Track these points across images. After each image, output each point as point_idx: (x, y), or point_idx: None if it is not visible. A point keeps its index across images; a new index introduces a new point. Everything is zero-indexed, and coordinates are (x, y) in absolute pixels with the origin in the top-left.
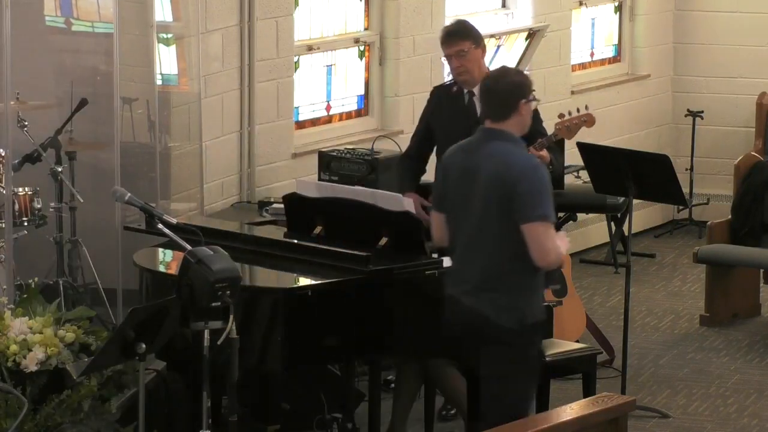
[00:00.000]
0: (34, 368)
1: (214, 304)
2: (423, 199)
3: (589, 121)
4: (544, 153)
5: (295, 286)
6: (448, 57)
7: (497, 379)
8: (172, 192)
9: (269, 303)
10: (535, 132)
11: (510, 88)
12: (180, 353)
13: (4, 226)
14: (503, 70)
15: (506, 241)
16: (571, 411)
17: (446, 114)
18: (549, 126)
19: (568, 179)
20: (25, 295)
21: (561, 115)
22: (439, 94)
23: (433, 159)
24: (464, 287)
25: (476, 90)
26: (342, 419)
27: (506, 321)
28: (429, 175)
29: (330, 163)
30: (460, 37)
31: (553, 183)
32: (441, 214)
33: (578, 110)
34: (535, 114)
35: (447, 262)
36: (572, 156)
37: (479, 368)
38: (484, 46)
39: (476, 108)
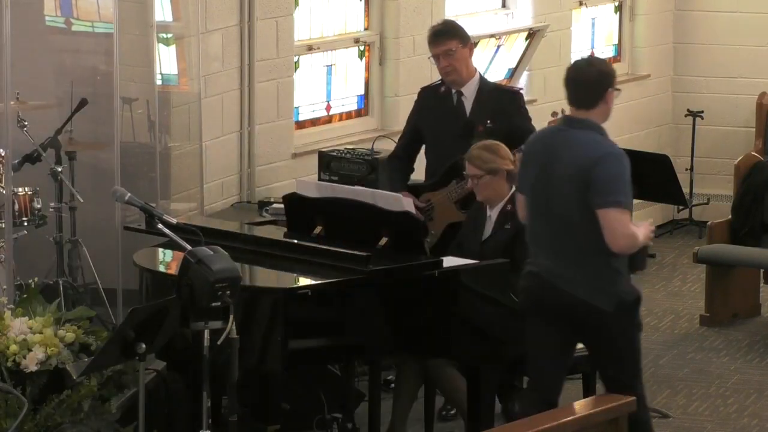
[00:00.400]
0: (34, 368)
1: (214, 304)
2: (415, 198)
3: None
4: None
5: (295, 286)
6: (436, 57)
7: (603, 358)
8: (172, 192)
9: (269, 303)
10: (524, 131)
11: (598, 77)
12: (180, 353)
13: (4, 226)
14: (589, 59)
15: (590, 224)
16: (571, 411)
17: (435, 115)
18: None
19: None
20: (25, 295)
21: (554, 114)
22: (427, 95)
23: (421, 159)
24: (552, 271)
25: (464, 90)
26: (342, 419)
27: (602, 302)
28: (418, 175)
29: (330, 163)
30: (447, 37)
31: None
32: (524, 195)
33: (558, 114)
34: (525, 112)
35: (447, 261)
36: None
37: (589, 349)
38: (472, 46)
39: (465, 108)
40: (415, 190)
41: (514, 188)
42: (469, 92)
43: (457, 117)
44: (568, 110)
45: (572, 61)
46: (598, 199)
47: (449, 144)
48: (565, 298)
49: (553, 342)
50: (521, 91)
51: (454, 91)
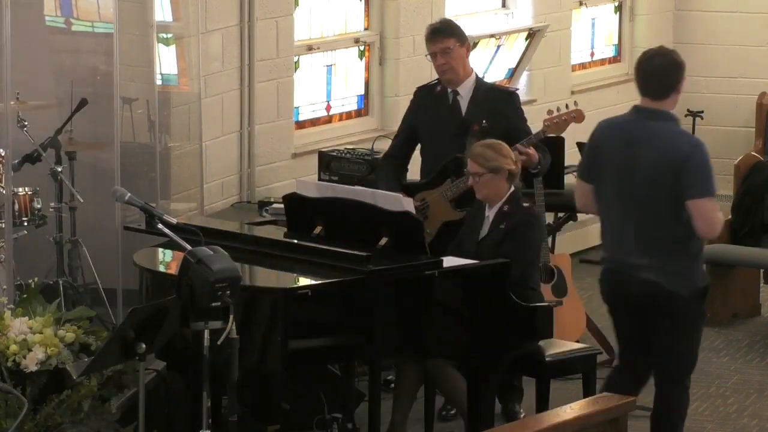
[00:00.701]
0: (34, 368)
1: (214, 304)
2: (411, 198)
3: (578, 117)
4: (531, 151)
5: (295, 286)
6: (433, 55)
7: (671, 343)
8: (172, 192)
9: (269, 303)
10: (521, 131)
11: (670, 67)
12: (180, 353)
13: (4, 226)
14: (659, 50)
15: (673, 213)
16: (571, 411)
17: (431, 114)
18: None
19: (568, 179)
20: (25, 295)
21: (550, 111)
22: (423, 94)
23: (416, 159)
24: (629, 258)
25: (460, 89)
26: (342, 419)
27: (678, 287)
28: (413, 174)
29: (330, 163)
30: (445, 35)
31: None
32: (587, 184)
33: (567, 106)
34: (521, 113)
35: (447, 261)
36: (572, 156)
37: (654, 335)
38: (469, 46)
39: (461, 107)
40: (410, 189)
41: (513, 188)
42: (465, 92)
43: (453, 116)
44: (573, 105)
45: (642, 52)
46: (693, 190)
47: (445, 143)
48: (643, 286)
49: (637, 329)
50: (517, 92)
51: (450, 90)
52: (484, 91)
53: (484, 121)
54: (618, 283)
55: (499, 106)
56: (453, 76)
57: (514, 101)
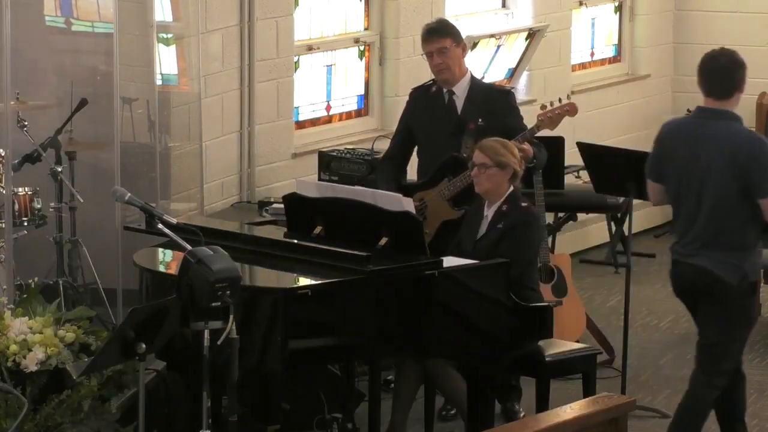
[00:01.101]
0: (34, 368)
1: (214, 304)
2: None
3: (571, 110)
4: (526, 146)
5: (295, 286)
6: (429, 54)
7: (711, 330)
8: (172, 192)
9: (269, 303)
10: (516, 130)
11: (734, 67)
12: (180, 353)
13: (4, 226)
14: (722, 51)
15: (733, 208)
16: (571, 411)
17: (427, 114)
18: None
19: (568, 179)
20: (25, 295)
21: (543, 107)
22: (418, 95)
23: (414, 159)
24: (690, 249)
25: (456, 89)
26: (342, 419)
27: (728, 274)
28: (410, 175)
29: (330, 163)
30: (441, 35)
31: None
32: (657, 184)
33: (560, 100)
34: (517, 111)
35: (447, 261)
36: (572, 156)
37: (702, 324)
38: (465, 46)
39: (456, 106)
40: (408, 190)
41: (512, 188)
42: (461, 91)
43: (449, 116)
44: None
45: (705, 53)
46: (763, 189)
47: (441, 143)
48: (698, 275)
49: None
50: (513, 90)
51: (445, 90)
52: (479, 90)
53: (480, 120)
54: (682, 273)
55: (494, 105)
56: (449, 76)
57: (509, 100)
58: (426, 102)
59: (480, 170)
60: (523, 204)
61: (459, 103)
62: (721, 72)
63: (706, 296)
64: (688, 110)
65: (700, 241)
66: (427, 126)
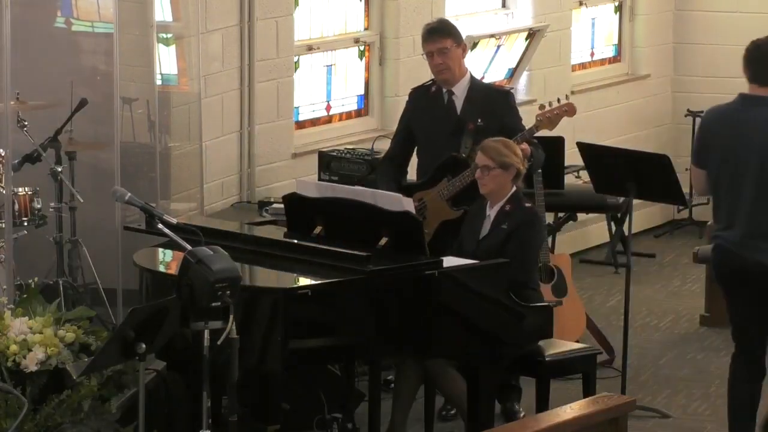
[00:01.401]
0: (34, 368)
1: (214, 304)
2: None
3: (570, 110)
4: (524, 146)
5: (295, 286)
6: (429, 54)
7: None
8: (172, 192)
9: (269, 303)
10: (515, 130)
11: None
12: (180, 353)
13: (4, 226)
14: (766, 38)
15: None
16: (571, 411)
17: (426, 114)
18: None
19: (568, 179)
20: (25, 295)
21: (542, 107)
22: (418, 95)
23: (413, 160)
24: (739, 240)
25: (455, 89)
26: (342, 419)
27: None
28: (410, 175)
29: (330, 163)
30: (442, 35)
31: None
32: (702, 170)
33: (558, 100)
34: (516, 112)
35: (447, 261)
36: (572, 156)
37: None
38: (465, 47)
39: (456, 106)
40: (407, 190)
41: (515, 188)
42: (460, 91)
43: (449, 116)
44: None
45: (750, 41)
46: None
47: (441, 143)
48: (747, 263)
49: (748, 305)
50: (512, 91)
51: (445, 90)
52: (478, 90)
53: (479, 120)
54: (726, 260)
55: (494, 105)
56: (449, 76)
57: (508, 100)
58: (426, 102)
59: (483, 172)
60: (527, 204)
61: (458, 103)
62: (765, 59)
63: (759, 286)
64: (688, 110)
65: (744, 228)
66: (426, 126)
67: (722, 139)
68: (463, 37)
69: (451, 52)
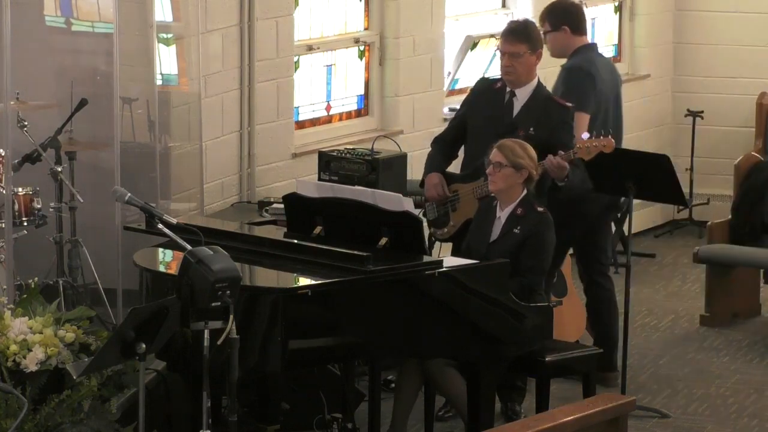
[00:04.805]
0: (34, 368)
1: (214, 304)
2: (444, 181)
3: (607, 146)
4: (564, 162)
5: (295, 286)
6: (502, 53)
7: None
8: (172, 192)
9: (269, 303)
10: (563, 144)
11: None
12: (180, 353)
13: (4, 226)
14: None
15: None
16: (571, 411)
17: (484, 110)
18: None
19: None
20: (25, 295)
21: (588, 136)
22: (483, 88)
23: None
24: None
25: (519, 91)
26: (342, 419)
27: None
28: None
29: (330, 163)
30: (519, 39)
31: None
32: None
33: (602, 135)
34: (568, 128)
35: (447, 261)
36: None
37: None
38: (540, 54)
39: (513, 109)
40: (449, 178)
41: (525, 191)
42: (523, 95)
43: (503, 116)
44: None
45: None
46: None
47: (489, 140)
48: None
49: None
50: (571, 107)
51: (508, 89)
52: (539, 99)
53: (531, 129)
54: None
55: (549, 116)
56: (514, 79)
57: (564, 115)
58: (487, 96)
59: (495, 168)
60: (540, 208)
61: (517, 106)
62: None
63: None
64: (688, 110)
65: None
66: (479, 121)
67: None
68: (463, 37)
69: (523, 58)
